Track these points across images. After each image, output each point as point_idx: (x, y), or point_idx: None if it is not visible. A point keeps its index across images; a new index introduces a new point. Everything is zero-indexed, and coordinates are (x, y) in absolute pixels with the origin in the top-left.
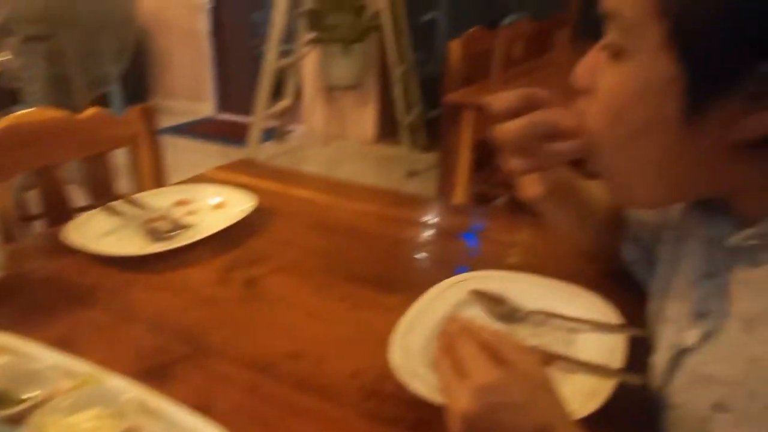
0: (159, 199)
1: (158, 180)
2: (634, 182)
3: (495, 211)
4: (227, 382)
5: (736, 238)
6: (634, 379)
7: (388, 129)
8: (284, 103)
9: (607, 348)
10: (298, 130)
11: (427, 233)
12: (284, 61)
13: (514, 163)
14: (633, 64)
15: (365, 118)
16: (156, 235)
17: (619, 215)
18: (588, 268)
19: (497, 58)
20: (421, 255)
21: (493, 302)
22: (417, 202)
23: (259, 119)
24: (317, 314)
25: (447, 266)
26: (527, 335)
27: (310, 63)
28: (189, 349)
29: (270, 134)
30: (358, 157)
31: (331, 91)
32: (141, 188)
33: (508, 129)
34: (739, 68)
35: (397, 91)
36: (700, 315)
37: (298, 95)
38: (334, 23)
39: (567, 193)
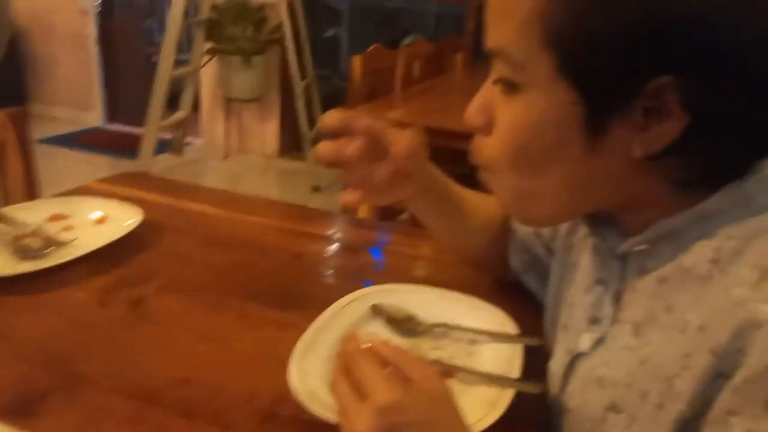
0: (30, 214)
1: (30, 192)
2: (538, 203)
3: (399, 225)
4: (106, 415)
5: (625, 245)
6: (532, 388)
7: (291, 143)
8: (180, 114)
9: (505, 358)
10: (196, 143)
11: (330, 248)
12: (180, 71)
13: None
14: (529, 97)
15: (267, 132)
16: (26, 253)
17: (506, 225)
18: (487, 279)
19: (398, 76)
20: (324, 270)
21: (394, 317)
22: (319, 216)
23: (152, 130)
24: (210, 335)
25: (350, 281)
26: (429, 348)
27: (208, 74)
28: (61, 380)
29: (165, 147)
30: (260, 172)
31: (231, 103)
32: (9, 201)
33: (322, 149)
34: (629, 87)
35: (300, 105)
36: (592, 320)
37: (195, 107)
38: (233, 34)
39: (441, 201)
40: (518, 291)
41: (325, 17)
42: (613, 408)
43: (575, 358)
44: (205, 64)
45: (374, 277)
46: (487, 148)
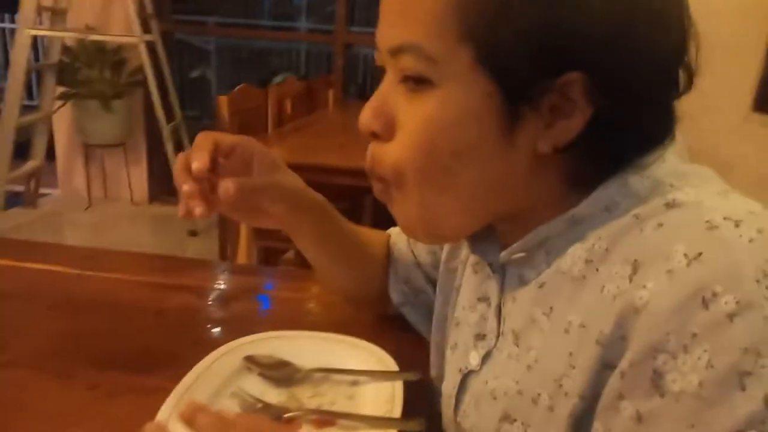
0: None
1: None
2: (446, 214)
3: (281, 269)
4: None
5: (505, 254)
6: (413, 426)
7: (162, 188)
8: (31, 163)
9: (386, 397)
10: (54, 194)
11: (203, 299)
12: (28, 118)
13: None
14: (443, 91)
15: (135, 178)
16: None
17: (387, 259)
18: (370, 317)
19: (270, 114)
20: (193, 325)
21: (270, 366)
22: (188, 265)
23: None
24: (58, 412)
25: (225, 335)
26: (308, 396)
27: (63, 120)
28: None
29: (18, 200)
30: (129, 220)
31: (91, 149)
32: None
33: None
34: (542, 80)
35: (169, 148)
36: (479, 337)
37: (51, 155)
38: (88, 78)
39: (320, 225)
40: (398, 326)
41: (191, 57)
42: (506, 418)
43: (466, 377)
44: (57, 109)
45: (252, 328)
46: (388, 156)
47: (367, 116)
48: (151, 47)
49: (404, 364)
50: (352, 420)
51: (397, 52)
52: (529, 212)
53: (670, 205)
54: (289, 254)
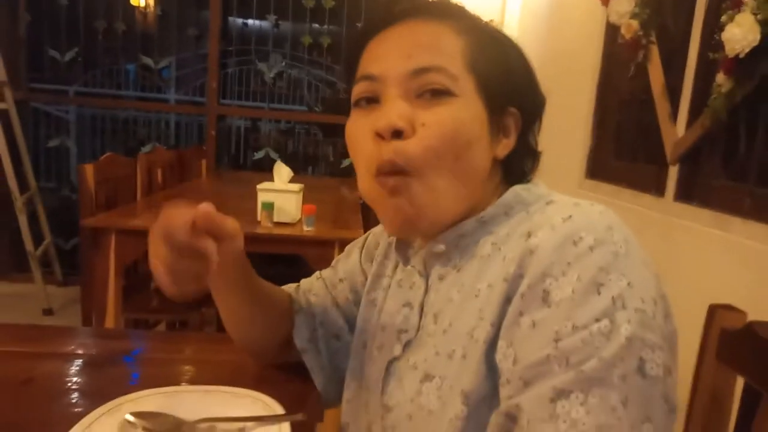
0: None
1: None
2: (444, 199)
3: (153, 332)
4: None
5: (430, 244)
6: None
7: (13, 264)
8: None
9: None
10: None
11: (72, 365)
12: None
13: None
14: (461, 99)
15: None
16: None
17: (291, 306)
18: (251, 370)
19: (139, 184)
20: (65, 392)
21: (155, 422)
22: (52, 333)
23: None
24: None
25: (100, 398)
26: None
27: None
28: None
29: None
30: None
31: None
32: None
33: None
34: (503, 108)
35: (23, 221)
36: (401, 332)
37: None
38: None
39: (247, 290)
40: (280, 376)
41: (48, 127)
42: (426, 379)
43: (390, 364)
44: None
45: (128, 390)
46: (413, 147)
47: (395, 118)
48: (3, 115)
49: (289, 408)
50: None
51: (424, 71)
52: (469, 208)
53: (549, 203)
54: (161, 327)
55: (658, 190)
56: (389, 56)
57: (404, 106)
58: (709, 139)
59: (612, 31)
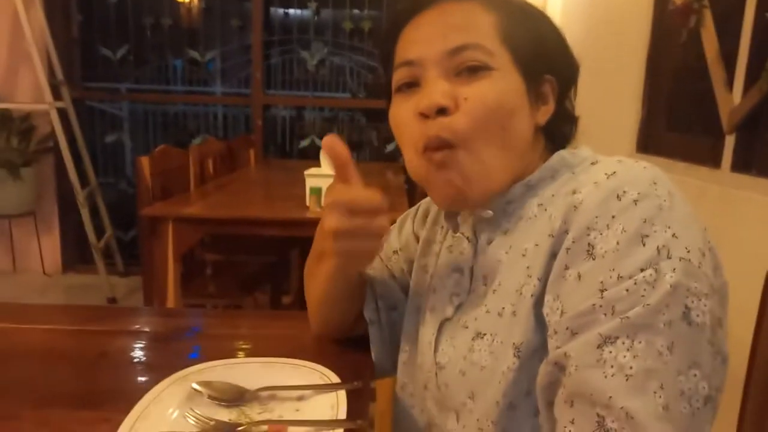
0: None
1: None
2: (492, 169)
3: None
4: None
5: (478, 212)
6: (356, 425)
7: (76, 256)
8: None
9: (330, 406)
10: None
11: (140, 340)
12: None
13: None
14: (499, 72)
15: (46, 248)
16: None
17: (363, 283)
18: (308, 346)
19: (192, 173)
20: (136, 363)
21: (218, 389)
22: (121, 312)
23: None
24: None
25: (167, 370)
26: (257, 413)
27: None
28: None
29: None
30: (40, 292)
31: None
32: None
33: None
34: (540, 77)
35: (85, 215)
36: (453, 294)
37: None
38: None
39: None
40: (336, 349)
41: (103, 123)
42: (477, 336)
43: (442, 324)
44: None
45: (191, 362)
46: (459, 122)
47: (439, 97)
48: (62, 114)
49: (345, 378)
50: (301, 425)
51: (460, 49)
52: (516, 175)
53: (593, 163)
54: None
55: (714, 161)
56: (425, 40)
57: (445, 84)
58: (767, 105)
59: None
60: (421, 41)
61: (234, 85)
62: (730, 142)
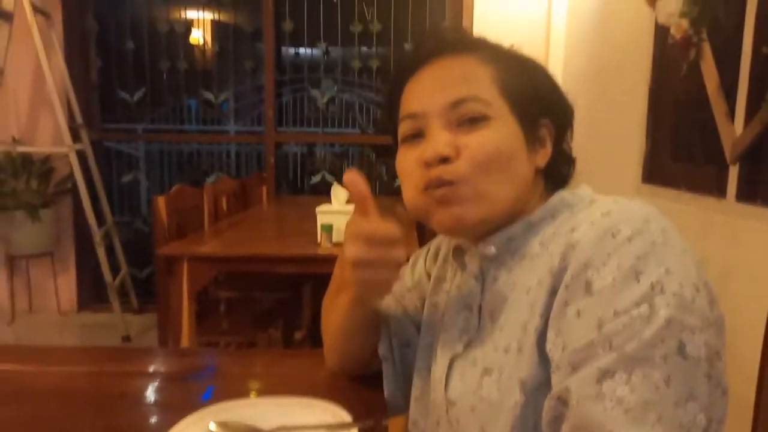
0: None
1: None
2: (492, 201)
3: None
4: None
5: (481, 245)
6: None
7: (92, 295)
8: None
9: None
10: None
11: (156, 381)
12: None
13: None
14: (498, 122)
15: (62, 287)
16: None
17: (377, 320)
18: (321, 383)
19: (206, 212)
20: (154, 404)
21: (236, 430)
22: (138, 353)
23: None
24: None
25: (184, 410)
26: None
27: None
28: None
29: None
30: (57, 330)
31: (15, 260)
32: None
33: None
34: (537, 122)
35: (101, 254)
36: (462, 331)
37: None
38: (14, 189)
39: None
40: (348, 385)
41: (120, 163)
42: (485, 372)
43: (452, 361)
44: None
45: (207, 402)
46: (460, 168)
47: (441, 147)
48: (80, 155)
49: (358, 416)
50: None
51: (461, 102)
52: (516, 214)
53: (591, 202)
54: (230, 348)
55: (719, 191)
56: (427, 94)
57: (447, 135)
58: None
59: (661, 30)
60: (424, 95)
61: (247, 122)
62: (734, 172)
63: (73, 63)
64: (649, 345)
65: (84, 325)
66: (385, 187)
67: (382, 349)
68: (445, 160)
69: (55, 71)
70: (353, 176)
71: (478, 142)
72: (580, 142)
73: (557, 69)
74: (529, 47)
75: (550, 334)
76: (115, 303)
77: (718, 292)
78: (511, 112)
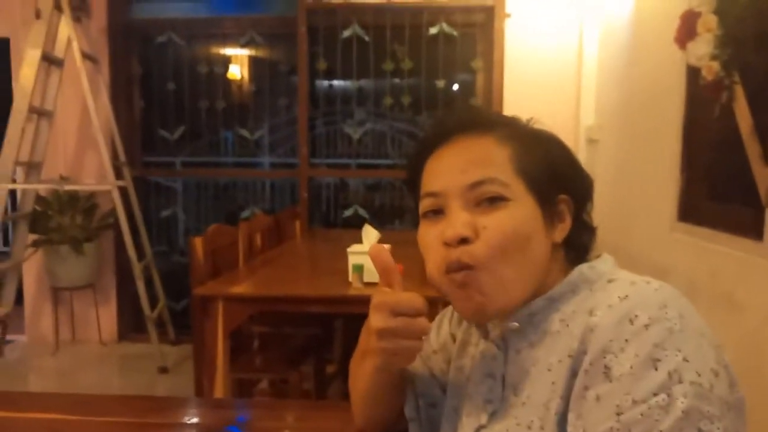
0: None
1: None
2: (512, 286)
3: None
4: None
5: (503, 324)
6: None
7: (131, 326)
8: (0, 310)
9: None
10: (20, 341)
11: None
12: (1, 266)
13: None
14: (515, 203)
15: (104, 318)
16: None
17: (403, 380)
18: None
19: (241, 250)
20: None
21: None
22: (173, 404)
23: None
24: None
25: None
26: None
27: (32, 265)
28: None
29: None
30: (98, 361)
31: (59, 292)
32: None
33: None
34: (552, 200)
35: (140, 287)
36: (487, 401)
37: (19, 300)
38: (61, 224)
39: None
40: None
41: (158, 195)
42: None
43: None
44: (28, 257)
45: None
46: (479, 250)
47: (461, 228)
48: (122, 191)
49: None
50: None
51: (479, 184)
52: (537, 289)
53: (610, 281)
54: (263, 384)
55: (756, 233)
56: (447, 174)
57: (466, 216)
58: None
59: (693, 71)
60: (444, 175)
61: (281, 154)
62: None
63: (118, 105)
64: None
65: (124, 355)
66: (415, 221)
67: (409, 410)
68: (464, 240)
69: (101, 113)
70: (378, 249)
71: (496, 223)
72: (614, 179)
73: (589, 104)
74: (561, 83)
75: (571, 417)
76: (153, 334)
77: (754, 339)
78: (529, 191)
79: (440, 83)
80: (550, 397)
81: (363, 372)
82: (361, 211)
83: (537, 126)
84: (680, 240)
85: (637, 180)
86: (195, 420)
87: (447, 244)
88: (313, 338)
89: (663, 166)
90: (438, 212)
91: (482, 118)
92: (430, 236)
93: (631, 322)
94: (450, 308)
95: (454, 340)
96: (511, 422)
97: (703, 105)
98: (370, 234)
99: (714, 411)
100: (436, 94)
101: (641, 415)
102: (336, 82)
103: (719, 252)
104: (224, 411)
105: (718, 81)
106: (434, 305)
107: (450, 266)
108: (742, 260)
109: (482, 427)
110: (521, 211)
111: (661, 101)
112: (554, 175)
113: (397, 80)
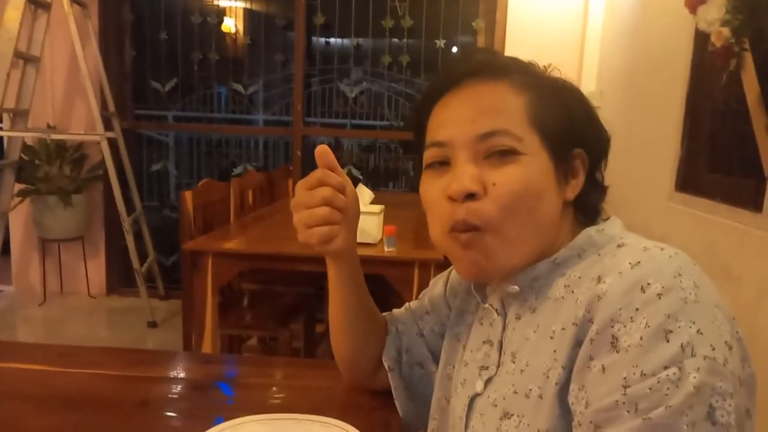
0: None
1: None
2: (519, 246)
3: (246, 357)
4: None
5: (504, 287)
6: None
7: (120, 280)
8: None
9: None
10: (7, 291)
11: (177, 388)
12: None
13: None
14: (527, 157)
15: (92, 271)
16: None
17: (384, 328)
18: (338, 400)
19: (232, 206)
20: (174, 413)
21: None
22: (162, 358)
23: None
24: None
25: (202, 420)
26: None
27: (19, 215)
28: None
29: None
30: (87, 314)
31: (47, 244)
32: None
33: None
34: (568, 153)
35: (130, 240)
36: (482, 368)
37: (5, 250)
38: (48, 174)
39: (356, 278)
40: (366, 405)
41: (149, 149)
42: (505, 416)
43: (472, 400)
44: (15, 206)
45: (226, 413)
46: (487, 207)
47: (468, 183)
48: (112, 143)
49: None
50: None
51: (489, 135)
52: (543, 250)
53: (620, 246)
54: (252, 341)
55: (755, 205)
56: (455, 122)
57: (474, 169)
58: None
59: (701, 37)
60: (451, 123)
61: (275, 112)
62: None
63: (108, 53)
64: (677, 412)
65: (112, 308)
66: (411, 183)
67: (387, 359)
68: (471, 196)
69: (89, 61)
70: (324, 150)
71: (506, 179)
72: (613, 146)
73: (591, 69)
74: (564, 46)
75: (573, 387)
76: (142, 288)
77: (750, 311)
78: (543, 146)
79: (440, 43)
80: (550, 365)
81: (332, 300)
82: (355, 172)
83: (555, 74)
84: (678, 210)
85: (636, 148)
86: (183, 374)
87: (452, 199)
88: (304, 297)
89: (664, 135)
90: (444, 164)
91: (496, 61)
92: (434, 189)
93: (643, 290)
94: (446, 273)
95: (448, 306)
96: (507, 389)
97: (709, 73)
98: (363, 194)
99: (727, 387)
100: (435, 55)
101: (649, 389)
102: (333, 40)
103: (717, 223)
104: (213, 366)
105: (728, 48)
106: (426, 266)
107: (455, 226)
108: (740, 232)
109: (477, 395)
110: (534, 167)
111: (666, 68)
112: (571, 129)
113: (395, 40)
